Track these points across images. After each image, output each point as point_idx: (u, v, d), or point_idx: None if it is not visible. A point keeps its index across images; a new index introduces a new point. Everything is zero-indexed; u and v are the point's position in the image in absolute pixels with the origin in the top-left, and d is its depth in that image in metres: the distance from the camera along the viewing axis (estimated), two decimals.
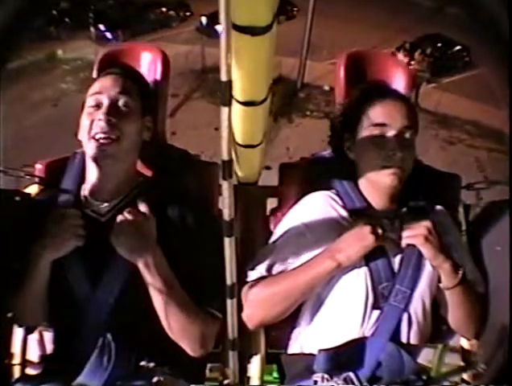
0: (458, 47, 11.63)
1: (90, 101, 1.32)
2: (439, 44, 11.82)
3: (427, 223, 1.34)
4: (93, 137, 1.28)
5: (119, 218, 1.23)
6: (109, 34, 12.09)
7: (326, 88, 10.62)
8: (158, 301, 1.24)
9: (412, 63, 11.10)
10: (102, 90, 1.32)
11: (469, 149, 9.78)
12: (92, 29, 12.02)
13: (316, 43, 10.95)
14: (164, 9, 13.50)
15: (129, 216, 1.23)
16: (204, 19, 12.17)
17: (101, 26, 12.09)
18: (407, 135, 1.36)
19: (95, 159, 1.28)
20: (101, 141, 1.27)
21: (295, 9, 12.55)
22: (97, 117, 1.28)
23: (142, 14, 12.95)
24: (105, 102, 1.30)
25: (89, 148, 1.29)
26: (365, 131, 1.39)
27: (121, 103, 1.31)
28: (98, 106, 1.30)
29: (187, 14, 13.71)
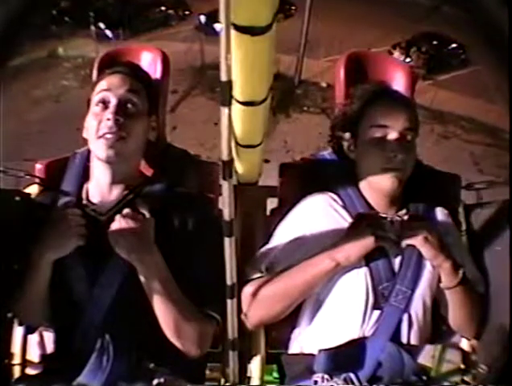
0: (454, 45, 11.71)
1: (97, 98, 1.31)
2: (434, 42, 11.89)
3: (426, 224, 1.34)
4: (101, 137, 1.27)
5: (117, 217, 1.23)
6: (109, 33, 12.09)
7: (323, 84, 10.69)
8: (154, 301, 1.24)
9: (408, 60, 11.14)
10: (110, 87, 1.31)
11: (464, 143, 9.86)
12: (92, 27, 12.01)
13: (314, 41, 10.99)
14: (163, 8, 13.53)
15: (127, 216, 1.22)
16: (202, 18, 12.19)
17: (102, 25, 12.09)
18: (409, 137, 1.36)
19: (104, 157, 1.28)
20: (110, 140, 1.26)
21: (293, 7, 12.57)
22: (105, 117, 1.28)
23: (142, 13, 12.98)
24: (113, 101, 1.29)
25: (98, 147, 1.29)
26: (366, 132, 1.39)
27: (129, 102, 1.31)
28: (105, 104, 1.30)
29: (186, 12, 13.74)
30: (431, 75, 11.39)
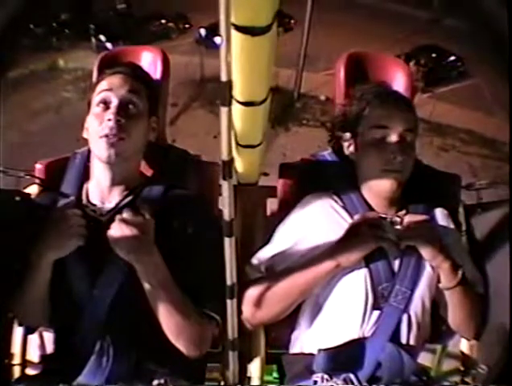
0: (452, 58, 11.77)
1: (98, 99, 1.31)
2: (433, 55, 11.95)
3: (426, 224, 1.34)
4: (102, 137, 1.27)
5: (117, 218, 1.22)
6: (109, 45, 12.17)
7: (322, 98, 10.74)
8: (154, 301, 1.24)
9: None
10: (112, 87, 1.31)
11: (463, 155, 9.94)
12: (93, 40, 12.10)
13: (313, 55, 11.06)
14: (164, 21, 13.60)
15: (127, 216, 1.22)
16: (202, 31, 12.25)
17: (102, 37, 12.17)
18: (408, 138, 1.37)
19: (105, 157, 1.28)
20: (111, 139, 1.26)
21: (292, 21, 12.65)
22: (106, 118, 1.28)
23: (142, 26, 13.05)
24: (115, 101, 1.30)
25: (98, 147, 1.29)
26: (366, 132, 1.39)
27: (130, 103, 1.31)
28: (106, 104, 1.30)
29: (186, 26, 13.80)
30: (429, 87, 11.45)
